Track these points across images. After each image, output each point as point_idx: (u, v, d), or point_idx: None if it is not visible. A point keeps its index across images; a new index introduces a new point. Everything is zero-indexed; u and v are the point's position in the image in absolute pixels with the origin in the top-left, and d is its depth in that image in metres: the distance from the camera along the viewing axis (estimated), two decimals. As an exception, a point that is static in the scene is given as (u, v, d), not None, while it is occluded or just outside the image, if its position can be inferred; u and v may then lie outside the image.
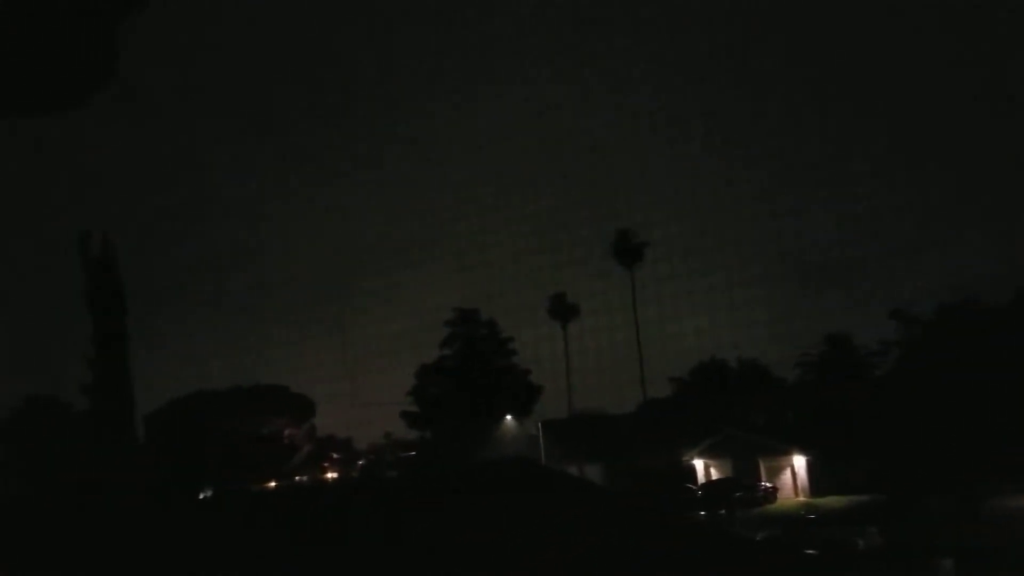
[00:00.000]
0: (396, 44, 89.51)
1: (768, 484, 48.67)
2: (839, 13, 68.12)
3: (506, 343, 66.38)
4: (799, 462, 49.53)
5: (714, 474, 52.16)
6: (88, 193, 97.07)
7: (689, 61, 70.26)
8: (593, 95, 74.99)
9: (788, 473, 49.76)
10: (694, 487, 49.93)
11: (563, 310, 69.19)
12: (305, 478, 66.24)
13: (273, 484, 60.44)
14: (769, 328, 61.26)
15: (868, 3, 65.94)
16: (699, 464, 52.87)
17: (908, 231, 58.17)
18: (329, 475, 71.16)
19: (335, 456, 74.88)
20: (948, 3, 60.50)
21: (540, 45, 78.14)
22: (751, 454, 50.60)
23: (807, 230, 62.71)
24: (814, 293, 60.21)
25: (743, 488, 46.81)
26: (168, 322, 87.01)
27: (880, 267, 58.23)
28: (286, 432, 65.31)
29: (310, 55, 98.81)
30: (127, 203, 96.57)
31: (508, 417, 64.69)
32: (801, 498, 47.95)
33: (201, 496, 54.13)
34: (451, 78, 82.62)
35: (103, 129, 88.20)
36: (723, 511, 43.15)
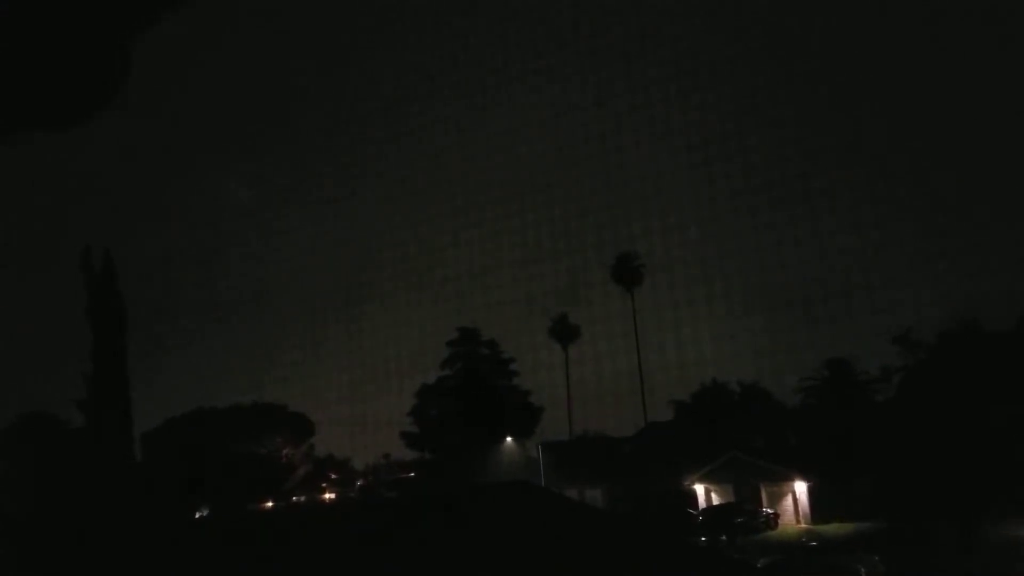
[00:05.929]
0: (394, 70, 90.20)
1: (769, 510, 48.24)
2: (842, 32, 68.68)
3: (507, 364, 66.06)
4: (800, 488, 49.16)
5: (715, 499, 51.76)
6: (90, 208, 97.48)
7: (692, 86, 70.66)
8: (596, 118, 75.42)
9: (790, 499, 49.38)
10: (695, 512, 49.49)
11: (564, 332, 69.00)
12: (303, 498, 65.72)
13: (270, 504, 60.01)
14: (770, 352, 61.12)
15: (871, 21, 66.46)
16: (700, 489, 52.47)
17: (908, 256, 58.14)
18: (327, 495, 70.61)
19: (333, 476, 74.32)
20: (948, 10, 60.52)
21: (543, 66, 78.63)
22: (752, 479, 50.23)
23: (809, 253, 62.66)
24: (816, 317, 59.93)
25: (744, 514, 46.43)
26: (168, 340, 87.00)
27: (882, 292, 58.14)
28: (284, 451, 64.87)
29: (308, 83, 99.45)
30: (130, 219, 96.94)
31: (508, 439, 64.27)
32: (802, 524, 47.54)
33: (197, 515, 53.80)
34: (453, 101, 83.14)
35: (108, 143, 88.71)
36: (724, 537, 42.76)
